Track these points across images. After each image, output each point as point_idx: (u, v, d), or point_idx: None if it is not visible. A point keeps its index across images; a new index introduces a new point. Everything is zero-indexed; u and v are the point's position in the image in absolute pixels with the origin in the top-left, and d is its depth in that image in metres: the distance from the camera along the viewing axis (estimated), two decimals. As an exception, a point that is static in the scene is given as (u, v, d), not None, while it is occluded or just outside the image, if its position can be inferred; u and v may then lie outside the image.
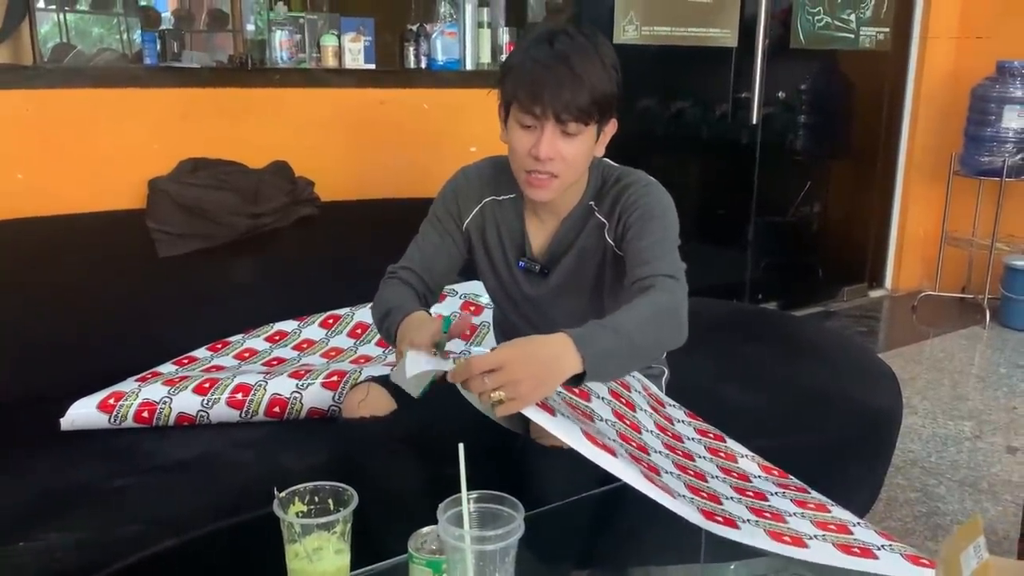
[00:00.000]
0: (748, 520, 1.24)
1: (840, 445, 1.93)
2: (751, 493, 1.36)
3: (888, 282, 4.69)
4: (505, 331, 1.71)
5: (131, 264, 2.11)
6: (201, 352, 2.04)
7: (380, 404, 1.48)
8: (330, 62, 2.55)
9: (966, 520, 2.18)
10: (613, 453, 1.20)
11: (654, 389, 1.57)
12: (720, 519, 1.21)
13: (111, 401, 1.70)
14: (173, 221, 2.14)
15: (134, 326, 2.04)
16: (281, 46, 2.49)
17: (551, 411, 1.21)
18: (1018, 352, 3.70)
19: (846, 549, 1.22)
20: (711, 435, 1.53)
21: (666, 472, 1.30)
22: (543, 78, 1.35)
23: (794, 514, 1.31)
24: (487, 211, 1.57)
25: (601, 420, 1.36)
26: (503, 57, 2.88)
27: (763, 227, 4.05)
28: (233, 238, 2.19)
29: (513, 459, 1.44)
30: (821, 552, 1.21)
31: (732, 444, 1.52)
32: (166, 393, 1.72)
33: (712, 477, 1.37)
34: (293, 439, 1.70)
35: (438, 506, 0.99)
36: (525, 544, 0.97)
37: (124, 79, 2.26)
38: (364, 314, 2.19)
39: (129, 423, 1.70)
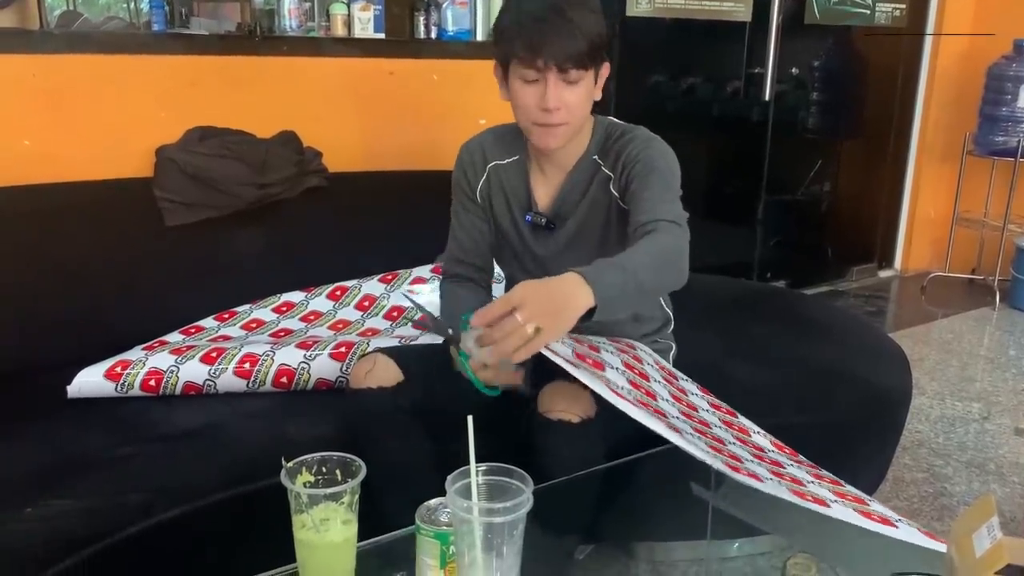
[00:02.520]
0: (770, 478, 1.24)
1: (848, 424, 1.92)
2: (768, 460, 1.36)
3: (898, 262, 4.66)
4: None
5: (138, 232, 2.10)
6: (208, 322, 2.03)
7: (387, 375, 1.48)
8: (339, 31, 2.52)
9: (975, 500, 2.18)
10: (635, 405, 1.21)
11: (664, 363, 1.56)
12: (744, 472, 1.21)
13: (118, 369, 1.70)
14: (180, 190, 2.12)
15: (141, 295, 2.04)
16: (290, 14, 2.46)
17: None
18: (1028, 334, 3.68)
19: (867, 515, 1.22)
20: (723, 409, 1.52)
21: (687, 433, 1.29)
22: (541, 30, 1.37)
23: (811, 482, 1.31)
24: (492, 177, 1.60)
25: (617, 387, 1.35)
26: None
27: (773, 205, 4.02)
28: (240, 208, 2.17)
29: (521, 432, 1.44)
30: (843, 513, 1.21)
31: (743, 420, 1.52)
32: (173, 362, 1.71)
33: (729, 443, 1.37)
34: (300, 409, 1.70)
35: (446, 478, 0.98)
36: (533, 517, 0.96)
37: (132, 45, 2.24)
38: (372, 286, 2.18)
39: (136, 391, 1.70)
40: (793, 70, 3.93)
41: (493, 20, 2.75)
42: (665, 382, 1.49)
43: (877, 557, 1.36)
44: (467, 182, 1.61)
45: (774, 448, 1.47)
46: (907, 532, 1.22)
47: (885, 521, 1.23)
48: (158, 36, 2.28)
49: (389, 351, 1.53)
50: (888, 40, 4.23)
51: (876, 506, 1.29)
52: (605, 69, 1.49)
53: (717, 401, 1.54)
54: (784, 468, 1.35)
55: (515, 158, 1.59)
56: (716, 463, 1.19)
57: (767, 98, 3.75)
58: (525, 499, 0.95)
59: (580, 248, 1.56)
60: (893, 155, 4.51)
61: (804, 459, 1.46)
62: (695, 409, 1.46)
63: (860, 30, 4.09)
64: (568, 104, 1.42)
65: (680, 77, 3.71)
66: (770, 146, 3.90)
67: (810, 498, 1.22)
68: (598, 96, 1.49)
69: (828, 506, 1.21)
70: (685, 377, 1.57)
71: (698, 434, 1.32)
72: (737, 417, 1.53)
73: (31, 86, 2.09)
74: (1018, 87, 3.84)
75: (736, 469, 1.22)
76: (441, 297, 1.67)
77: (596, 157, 1.55)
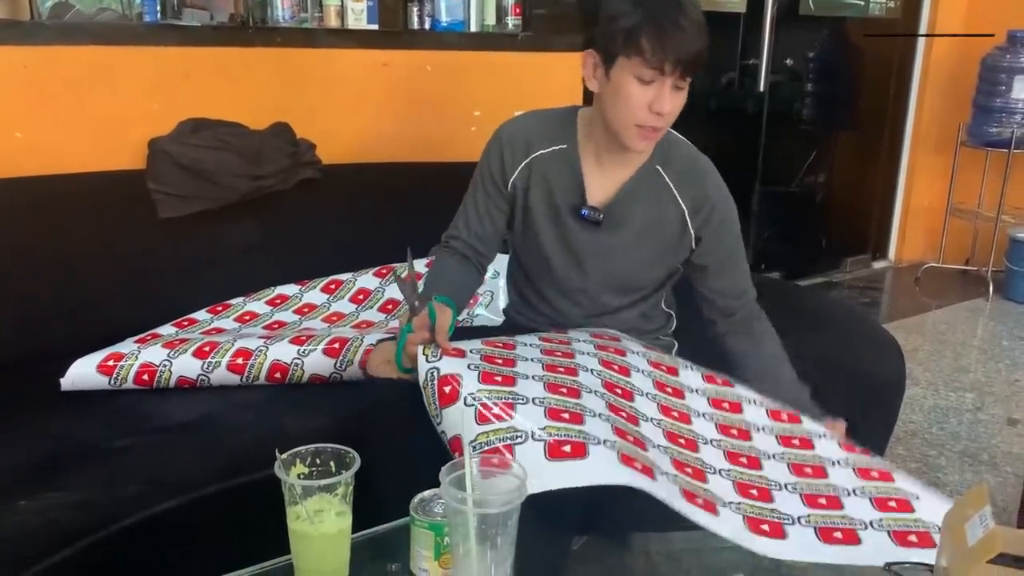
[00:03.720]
0: (730, 503, 1.21)
1: (842, 414, 1.92)
2: (744, 460, 1.33)
3: (892, 253, 4.67)
4: (524, 294, 1.70)
5: (131, 225, 2.09)
6: (201, 314, 2.02)
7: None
8: (332, 22, 2.51)
9: (968, 490, 2.19)
10: (583, 453, 1.16)
11: (665, 358, 1.54)
12: (700, 501, 1.19)
13: (110, 363, 1.69)
14: (173, 182, 2.11)
15: (134, 287, 2.03)
16: (283, 5, 2.44)
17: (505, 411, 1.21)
18: (1021, 325, 3.69)
19: (827, 534, 1.20)
20: (718, 380, 1.49)
21: (653, 446, 1.27)
22: (671, 31, 1.34)
23: (786, 486, 1.29)
24: (535, 165, 1.55)
25: (590, 392, 1.32)
26: (509, 19, 2.83)
27: (767, 196, 4.03)
28: (234, 200, 2.16)
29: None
30: (798, 543, 1.18)
31: (740, 390, 1.49)
32: (166, 356, 1.71)
33: (705, 442, 1.34)
34: (295, 401, 1.70)
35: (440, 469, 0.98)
36: (528, 507, 0.96)
37: (124, 37, 2.23)
38: (366, 280, 2.17)
39: (129, 385, 1.69)
40: (788, 61, 3.93)
41: (487, 11, 2.76)
42: (653, 367, 1.45)
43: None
44: (500, 169, 1.55)
45: (770, 420, 1.43)
46: (871, 545, 1.19)
47: (849, 536, 1.20)
48: (150, 27, 2.27)
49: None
50: (882, 32, 4.22)
51: (853, 505, 1.26)
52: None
53: (722, 394, 1.48)
54: (760, 469, 1.31)
55: (561, 147, 1.53)
56: (673, 498, 1.16)
57: (762, 89, 3.75)
58: (519, 490, 0.95)
59: (623, 252, 1.55)
60: (887, 146, 4.51)
61: (803, 429, 1.42)
62: (681, 395, 1.42)
63: (855, 20, 4.08)
64: (673, 111, 1.41)
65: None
66: (765, 137, 3.90)
67: (767, 527, 1.19)
68: None
69: (783, 536, 1.18)
70: (689, 365, 1.52)
71: (669, 440, 1.29)
72: (733, 387, 1.48)
73: (22, 78, 2.08)
74: (1012, 78, 3.85)
75: (692, 498, 1.19)
76: (435, 263, 1.62)
77: (659, 166, 1.53)
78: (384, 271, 2.20)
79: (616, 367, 1.40)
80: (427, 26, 2.68)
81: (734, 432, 1.39)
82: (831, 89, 4.22)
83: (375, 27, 2.56)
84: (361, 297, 2.14)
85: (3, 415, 1.60)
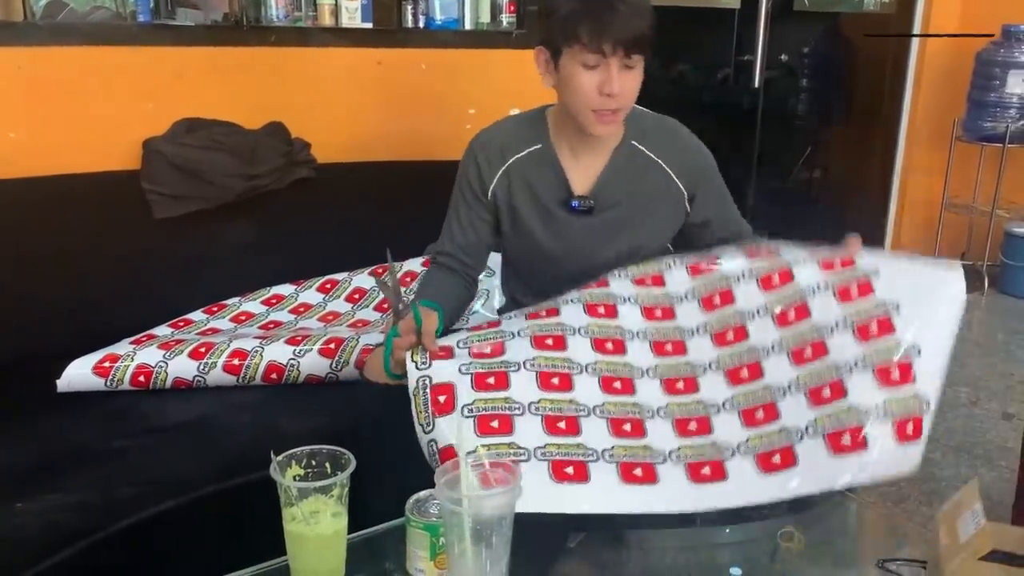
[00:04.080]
0: (739, 447, 1.25)
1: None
2: (745, 372, 1.34)
3: (887, 247, 4.67)
4: (517, 299, 1.70)
5: (126, 225, 2.10)
6: (197, 315, 2.03)
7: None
8: (327, 21, 2.50)
9: (962, 485, 2.19)
10: (585, 476, 1.22)
11: (652, 266, 1.50)
12: (707, 471, 1.23)
13: (106, 364, 1.70)
14: (168, 182, 2.12)
15: (129, 288, 2.03)
16: (277, 4, 2.44)
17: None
18: (1016, 319, 3.70)
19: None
20: (703, 267, 1.46)
21: (652, 416, 1.30)
22: (605, 14, 1.37)
23: (790, 387, 1.29)
24: (513, 171, 1.56)
25: (581, 372, 1.34)
26: (503, 17, 2.83)
27: (763, 191, 4.03)
28: (229, 200, 2.17)
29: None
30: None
31: (725, 264, 1.47)
32: (162, 357, 1.71)
33: (703, 372, 1.35)
34: (292, 402, 1.70)
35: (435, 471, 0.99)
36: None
37: (117, 37, 2.23)
38: (362, 280, 2.18)
39: (125, 386, 1.70)
40: (783, 57, 3.94)
41: (481, 9, 2.76)
42: (646, 316, 1.43)
43: (862, 543, 1.38)
44: (479, 180, 1.57)
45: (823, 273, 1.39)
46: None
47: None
48: (144, 27, 2.27)
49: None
50: (877, 27, 4.23)
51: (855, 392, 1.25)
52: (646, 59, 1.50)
53: (708, 283, 1.45)
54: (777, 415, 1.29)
55: (536, 147, 1.56)
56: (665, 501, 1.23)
57: (757, 85, 3.76)
58: (514, 491, 0.95)
59: (622, 231, 1.57)
60: (882, 141, 4.51)
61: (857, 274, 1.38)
62: (681, 349, 1.40)
63: (849, 15, 4.09)
64: (627, 89, 1.43)
65: (670, 65, 3.71)
66: (760, 133, 3.91)
67: (776, 464, 1.23)
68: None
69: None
70: (672, 263, 1.49)
71: (676, 431, 1.30)
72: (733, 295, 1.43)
73: (16, 79, 2.08)
74: (1006, 73, 3.85)
75: (697, 474, 1.23)
76: (424, 276, 1.64)
77: (634, 142, 1.56)
78: (380, 270, 2.21)
79: (602, 309, 1.41)
80: (421, 24, 2.68)
81: (730, 336, 1.38)
82: (826, 84, 4.23)
83: (369, 25, 2.56)
84: (357, 296, 2.15)
85: (0, 417, 1.60)
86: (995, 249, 4.08)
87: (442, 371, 1.29)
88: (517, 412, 1.25)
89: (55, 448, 1.51)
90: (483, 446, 1.16)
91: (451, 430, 1.22)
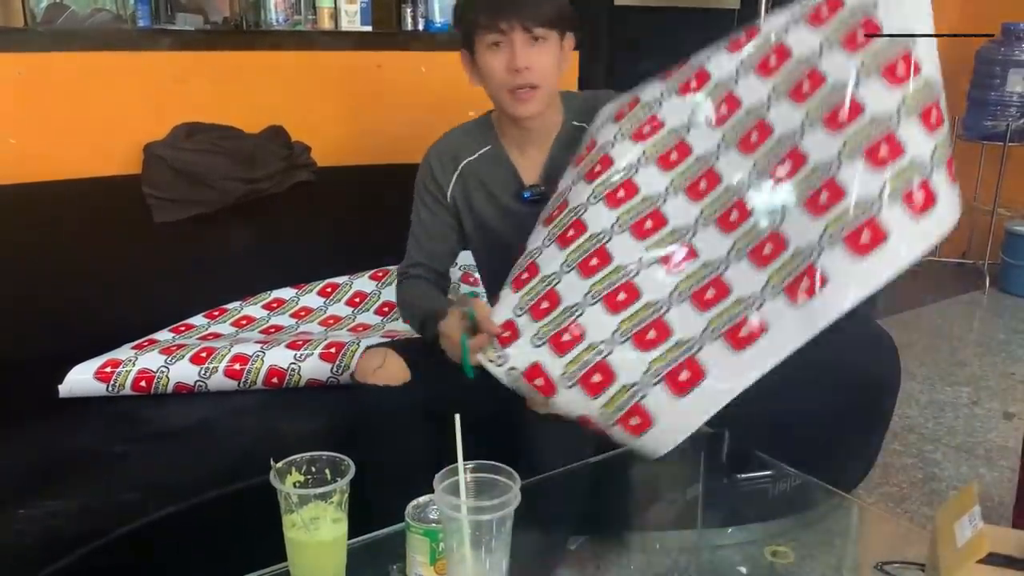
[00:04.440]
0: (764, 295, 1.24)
1: (837, 411, 1.93)
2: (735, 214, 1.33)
3: (888, 247, 4.67)
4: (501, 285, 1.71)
5: (127, 230, 2.10)
6: (198, 319, 2.03)
7: (395, 373, 1.48)
8: (326, 24, 2.51)
9: (962, 487, 2.19)
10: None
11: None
12: (745, 334, 1.23)
13: (108, 369, 1.70)
14: (169, 186, 2.12)
15: (130, 292, 2.04)
16: (276, 7, 2.44)
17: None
18: (1017, 318, 3.70)
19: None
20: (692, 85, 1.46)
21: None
22: None
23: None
24: (467, 174, 1.60)
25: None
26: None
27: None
28: (229, 203, 2.17)
29: (510, 429, 1.45)
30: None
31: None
32: (163, 362, 1.72)
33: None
34: (292, 406, 1.70)
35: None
36: (523, 511, 0.97)
37: (117, 42, 2.23)
38: (362, 283, 2.18)
39: (127, 392, 1.70)
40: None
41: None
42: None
43: (862, 545, 1.38)
44: (436, 184, 1.61)
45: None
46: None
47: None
48: (143, 32, 2.27)
49: (399, 348, 1.53)
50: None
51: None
52: (570, 41, 1.52)
53: (762, 53, 1.42)
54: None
55: (487, 148, 1.59)
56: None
57: (756, 85, 3.75)
58: (512, 496, 0.96)
59: None
60: (883, 140, 4.51)
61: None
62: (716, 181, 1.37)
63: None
64: (537, 65, 1.44)
65: (669, 67, 3.70)
66: (760, 133, 3.90)
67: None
68: (566, 66, 1.53)
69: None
70: (714, 57, 1.48)
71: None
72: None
73: (16, 84, 2.08)
74: (1006, 71, 3.85)
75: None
76: (403, 293, 1.64)
77: (575, 122, 1.58)
78: (380, 274, 2.21)
79: (621, 192, 1.42)
80: (421, 27, 2.68)
81: (754, 138, 1.36)
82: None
83: (368, 29, 2.56)
84: (357, 300, 2.15)
85: (1, 422, 1.60)
86: (996, 248, 4.08)
87: (521, 356, 1.33)
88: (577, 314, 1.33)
89: (57, 454, 1.51)
90: (604, 402, 1.25)
91: (572, 399, 1.29)
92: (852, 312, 2.52)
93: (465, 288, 2.20)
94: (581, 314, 1.33)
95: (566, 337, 1.32)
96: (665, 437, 1.26)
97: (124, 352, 1.77)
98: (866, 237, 1.16)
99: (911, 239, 1.17)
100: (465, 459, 0.98)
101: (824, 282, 1.18)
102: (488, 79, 1.48)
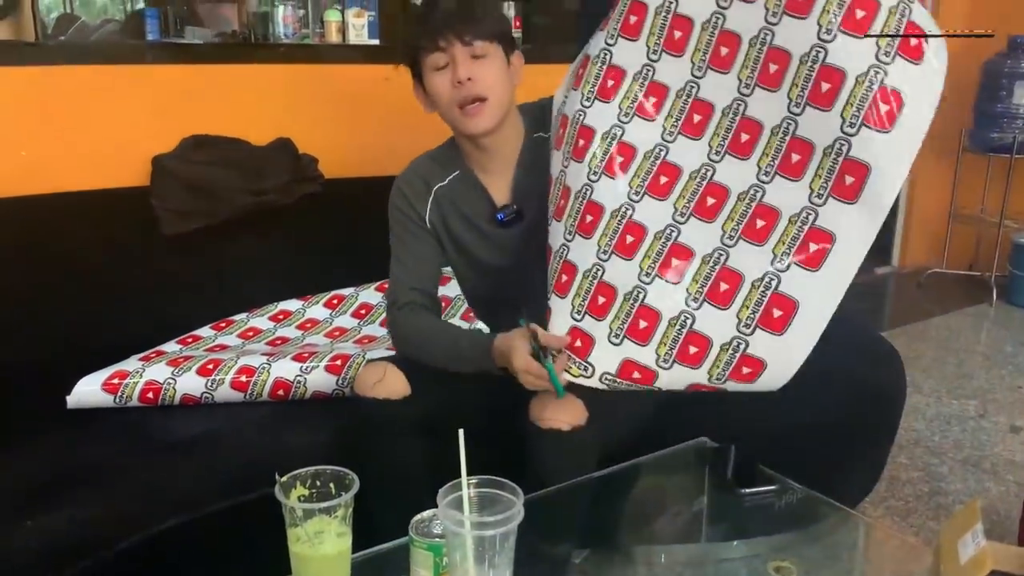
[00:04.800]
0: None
1: (843, 424, 1.93)
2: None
3: (894, 259, 4.66)
4: (490, 307, 1.72)
5: (135, 241, 2.11)
6: (205, 331, 2.04)
7: (395, 387, 1.48)
8: (334, 38, 2.53)
9: (965, 503, 2.19)
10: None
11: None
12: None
13: (115, 381, 1.71)
14: (176, 198, 2.14)
15: (138, 303, 2.05)
16: (284, 21, 2.47)
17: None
18: (1024, 330, 3.69)
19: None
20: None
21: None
22: (432, 15, 1.44)
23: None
24: (440, 197, 1.58)
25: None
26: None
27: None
28: (236, 215, 2.18)
29: (513, 442, 1.45)
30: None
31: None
32: (170, 374, 1.73)
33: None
34: (298, 418, 1.71)
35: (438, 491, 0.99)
36: (526, 524, 0.98)
37: (127, 56, 2.25)
38: (368, 295, 2.19)
39: (134, 403, 1.71)
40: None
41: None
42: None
43: (868, 560, 1.37)
44: (413, 210, 1.58)
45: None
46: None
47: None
48: (153, 45, 2.29)
49: (400, 362, 1.52)
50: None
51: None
52: (517, 57, 1.52)
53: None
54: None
55: (455, 173, 1.58)
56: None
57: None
58: (516, 511, 0.96)
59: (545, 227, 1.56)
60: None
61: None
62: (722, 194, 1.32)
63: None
64: (480, 77, 1.44)
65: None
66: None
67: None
68: (517, 82, 1.53)
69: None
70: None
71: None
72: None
73: (28, 98, 2.10)
74: (1013, 83, 3.85)
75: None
76: (406, 326, 1.55)
77: (536, 134, 1.57)
78: (386, 286, 2.22)
79: (666, 178, 1.37)
80: (428, 40, 2.70)
81: (772, 69, 1.29)
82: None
83: (376, 42, 2.58)
84: (363, 312, 2.16)
85: (10, 433, 1.61)
86: (1003, 260, 4.07)
87: (607, 358, 1.31)
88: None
89: (64, 465, 1.52)
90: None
91: (680, 377, 1.29)
92: (858, 324, 2.51)
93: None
94: (645, 295, 1.30)
95: (643, 324, 1.29)
96: (782, 371, 1.27)
97: (132, 363, 1.78)
98: (883, 108, 1.18)
99: (924, 94, 1.21)
100: (467, 473, 0.98)
101: (868, 169, 1.19)
102: (438, 100, 1.48)
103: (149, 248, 2.11)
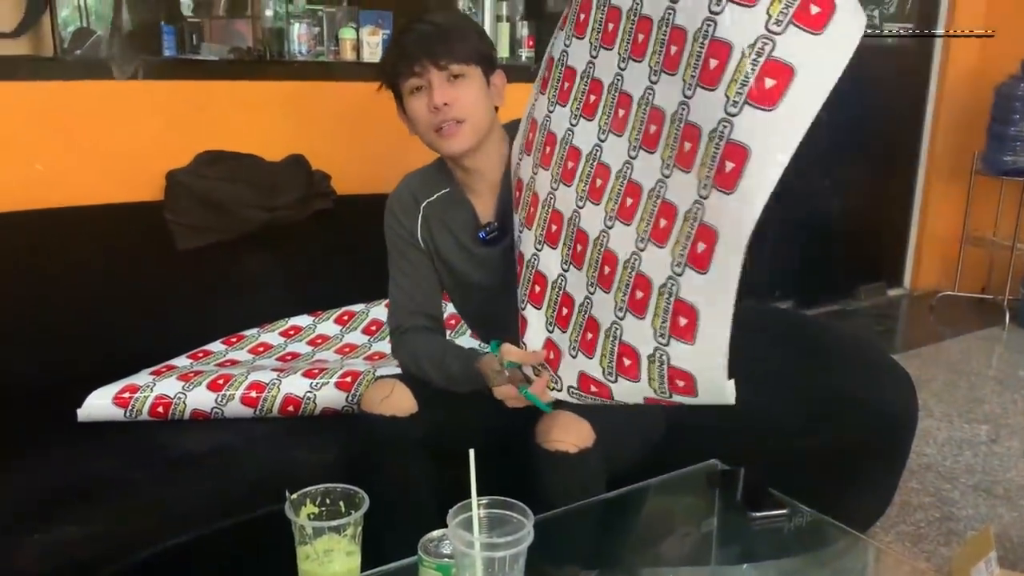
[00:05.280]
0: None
1: (854, 448, 1.92)
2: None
3: (906, 281, 4.65)
4: (480, 325, 1.73)
5: (148, 256, 2.12)
6: (216, 346, 2.05)
7: (403, 404, 1.48)
8: (348, 55, 2.55)
9: (978, 529, 2.16)
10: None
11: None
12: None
13: (126, 395, 1.71)
14: (190, 213, 2.15)
15: (151, 317, 2.06)
16: (299, 39, 2.49)
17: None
18: (1037, 354, 3.67)
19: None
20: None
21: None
22: (410, 41, 1.45)
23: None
24: (428, 215, 1.59)
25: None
26: (521, 52, 2.87)
27: (781, 223, 4.02)
28: (249, 231, 2.19)
29: (519, 461, 1.45)
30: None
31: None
32: (180, 389, 1.73)
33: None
34: (307, 435, 1.71)
35: (448, 511, 0.99)
36: (535, 545, 0.97)
37: (143, 71, 2.27)
38: (379, 312, 2.19)
39: (144, 417, 1.72)
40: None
41: (500, 44, 2.79)
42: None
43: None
44: (405, 230, 1.59)
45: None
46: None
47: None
48: (169, 61, 2.31)
49: (408, 379, 1.53)
50: (896, 58, 4.24)
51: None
52: (498, 76, 1.53)
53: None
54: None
55: (445, 191, 1.58)
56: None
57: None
58: (526, 533, 0.96)
59: None
60: (901, 173, 4.51)
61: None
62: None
63: (868, 48, 4.09)
64: (458, 100, 1.44)
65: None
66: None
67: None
68: (499, 103, 1.54)
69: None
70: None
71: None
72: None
73: (44, 111, 2.12)
74: (1026, 107, 3.84)
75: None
76: (408, 349, 1.56)
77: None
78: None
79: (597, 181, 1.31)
80: (441, 59, 2.71)
81: (673, 50, 1.19)
82: (844, 117, 4.22)
83: (390, 60, 2.59)
84: (374, 328, 2.16)
85: (21, 446, 1.62)
86: (1016, 284, 4.05)
87: (569, 372, 1.30)
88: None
89: (74, 478, 1.52)
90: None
91: (630, 389, 1.23)
92: (869, 347, 2.51)
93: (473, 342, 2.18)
94: (591, 306, 1.27)
95: (588, 336, 1.26)
96: (712, 382, 1.14)
97: (142, 377, 1.79)
98: (769, 83, 1.03)
99: (820, 69, 1.04)
100: (477, 492, 0.98)
101: (748, 153, 1.04)
102: (416, 123, 1.49)
103: (162, 262, 2.12)
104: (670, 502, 1.55)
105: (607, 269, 1.24)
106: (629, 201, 1.22)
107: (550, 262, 1.35)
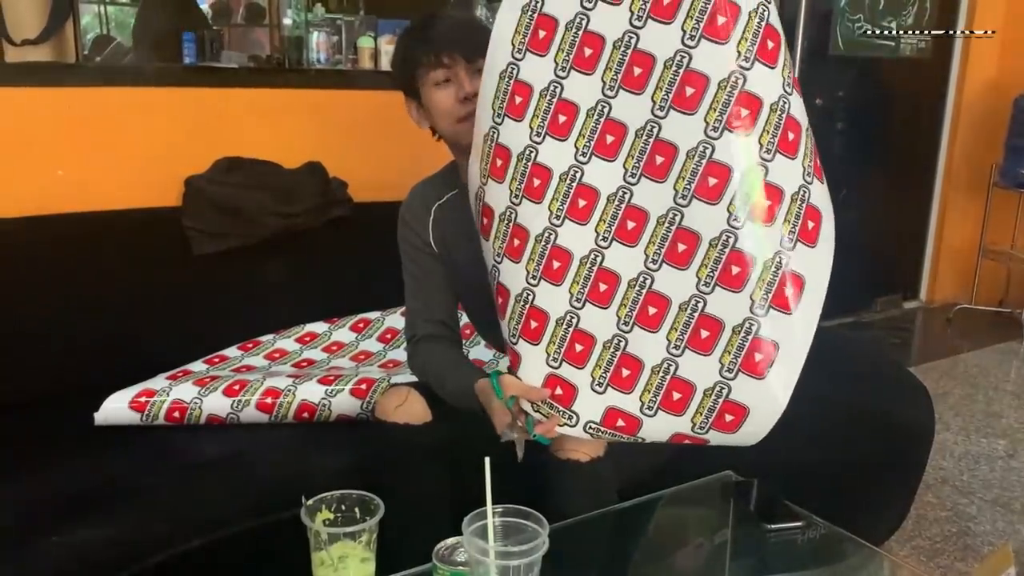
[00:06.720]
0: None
1: (871, 461, 1.91)
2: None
3: (923, 294, 4.62)
4: (488, 329, 1.70)
5: (166, 261, 2.14)
6: (232, 351, 2.06)
7: (417, 412, 1.48)
8: (366, 64, 2.56)
9: (997, 544, 2.14)
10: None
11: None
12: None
13: (143, 399, 1.72)
14: (208, 219, 2.16)
15: (168, 323, 2.07)
16: (318, 47, 2.51)
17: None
18: (1055, 369, 3.64)
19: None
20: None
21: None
22: (439, 33, 1.44)
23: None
24: (439, 217, 1.58)
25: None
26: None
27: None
28: (266, 237, 2.21)
29: (532, 469, 1.44)
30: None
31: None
32: (196, 394, 1.74)
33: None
34: (323, 440, 1.71)
35: (463, 518, 0.99)
36: (549, 555, 0.97)
37: (164, 78, 2.29)
38: (394, 320, 2.20)
39: (160, 422, 1.72)
40: (818, 101, 3.93)
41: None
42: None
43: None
44: (419, 238, 1.58)
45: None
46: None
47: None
48: (188, 69, 2.34)
49: (422, 387, 1.53)
50: (914, 70, 4.22)
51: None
52: None
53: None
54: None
55: (454, 192, 1.58)
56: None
57: (791, 129, 3.74)
58: (541, 541, 0.96)
59: None
60: (918, 186, 4.48)
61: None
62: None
63: (886, 60, 4.08)
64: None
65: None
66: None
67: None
68: None
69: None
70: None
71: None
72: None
73: (66, 117, 2.15)
74: (1044, 120, 3.82)
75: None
76: (423, 360, 1.56)
77: None
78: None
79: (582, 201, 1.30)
80: (458, 67, 2.73)
81: (689, 93, 1.23)
82: (861, 128, 4.21)
83: (408, 69, 2.60)
84: (389, 336, 2.17)
85: (38, 450, 1.63)
86: (1034, 297, 4.03)
87: (590, 407, 1.30)
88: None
89: (90, 482, 1.53)
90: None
91: (663, 426, 1.29)
92: (886, 360, 2.49)
93: (488, 353, 2.17)
94: (625, 344, 1.28)
95: (624, 372, 1.28)
96: (764, 418, 1.25)
97: (159, 382, 1.80)
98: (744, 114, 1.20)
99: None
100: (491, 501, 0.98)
101: (818, 214, 1.32)
102: (439, 116, 1.48)
103: (179, 268, 2.13)
104: (684, 513, 1.54)
105: (652, 310, 1.27)
106: (682, 247, 1.26)
107: (552, 300, 1.31)
